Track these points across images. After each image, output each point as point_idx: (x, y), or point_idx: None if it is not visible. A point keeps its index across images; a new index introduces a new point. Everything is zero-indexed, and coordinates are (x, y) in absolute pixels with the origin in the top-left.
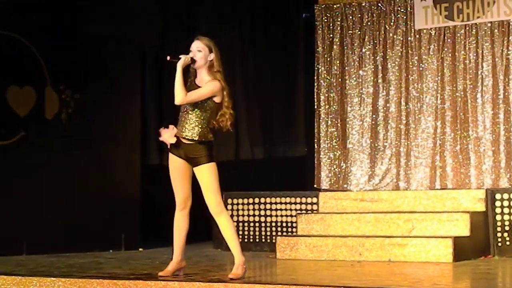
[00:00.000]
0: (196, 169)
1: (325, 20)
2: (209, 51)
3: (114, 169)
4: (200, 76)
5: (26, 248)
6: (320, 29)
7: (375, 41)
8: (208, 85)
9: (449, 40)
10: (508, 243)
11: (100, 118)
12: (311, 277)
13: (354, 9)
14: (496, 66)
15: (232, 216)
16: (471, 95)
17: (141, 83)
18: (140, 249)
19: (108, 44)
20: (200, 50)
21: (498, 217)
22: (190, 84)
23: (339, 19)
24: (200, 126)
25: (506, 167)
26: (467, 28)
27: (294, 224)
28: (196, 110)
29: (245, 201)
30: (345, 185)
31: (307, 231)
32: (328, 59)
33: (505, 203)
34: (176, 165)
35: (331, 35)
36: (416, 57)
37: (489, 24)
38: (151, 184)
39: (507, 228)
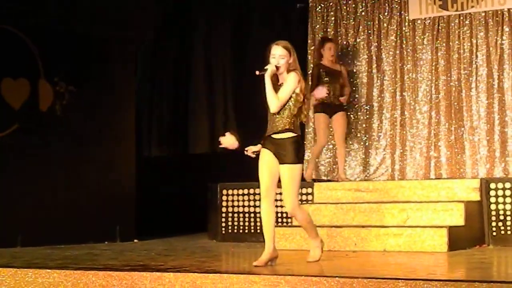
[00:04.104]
0: (281, 167)
1: (319, 11)
2: (290, 55)
3: (109, 161)
4: (281, 78)
5: (21, 240)
6: (314, 19)
7: (369, 31)
8: (289, 79)
9: (443, 30)
10: (502, 232)
11: (95, 110)
12: (307, 268)
13: None
14: (490, 55)
15: (227, 207)
16: (465, 85)
17: (135, 76)
18: (135, 241)
19: (103, 38)
20: (283, 58)
21: (493, 207)
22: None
23: (333, 9)
24: (288, 121)
25: (500, 156)
26: (461, 17)
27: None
28: (283, 107)
29: (240, 192)
30: (334, 175)
31: None
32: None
33: (500, 193)
34: (265, 157)
35: (325, 25)
36: (411, 47)
37: (483, 14)
38: (146, 176)
39: (501, 217)
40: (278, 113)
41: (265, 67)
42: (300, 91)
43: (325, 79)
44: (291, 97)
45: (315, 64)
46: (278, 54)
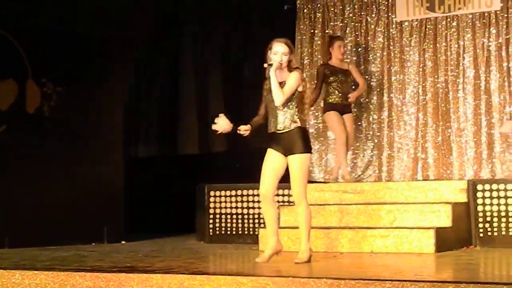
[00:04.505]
0: (289, 158)
1: (307, 12)
2: (291, 52)
3: (97, 163)
4: (281, 75)
5: (8, 241)
6: (301, 20)
7: (357, 33)
8: (293, 76)
9: (430, 31)
10: (489, 233)
11: (83, 111)
12: (294, 269)
13: (336, 1)
14: (477, 57)
15: (214, 208)
16: (452, 86)
17: (124, 77)
18: (123, 242)
19: (92, 39)
20: (286, 55)
21: (480, 208)
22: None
23: (320, 11)
24: (293, 116)
25: (487, 158)
26: (448, 19)
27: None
28: (287, 103)
29: (227, 193)
30: (327, 177)
31: (289, 222)
32: (309, 51)
33: (487, 194)
34: (270, 158)
35: (313, 27)
36: (398, 49)
37: (470, 16)
38: (134, 176)
39: (488, 218)
40: (282, 111)
41: (270, 62)
42: (303, 89)
43: (331, 78)
44: (294, 94)
45: (321, 64)
46: (281, 51)
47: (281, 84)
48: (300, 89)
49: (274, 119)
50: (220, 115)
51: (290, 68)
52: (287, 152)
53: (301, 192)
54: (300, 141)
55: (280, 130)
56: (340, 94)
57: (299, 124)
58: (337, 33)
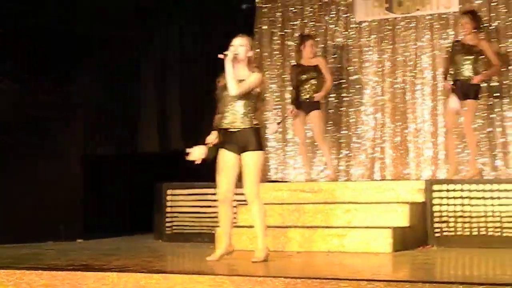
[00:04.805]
0: (243, 155)
1: (266, 11)
2: (250, 47)
3: (55, 160)
4: (238, 71)
5: None
6: (260, 20)
7: (316, 33)
8: (254, 76)
9: (389, 32)
10: (446, 233)
11: (41, 108)
12: (251, 267)
13: (295, 0)
14: (435, 58)
15: (172, 207)
16: (410, 87)
17: (84, 74)
18: (79, 240)
19: (51, 34)
20: (242, 45)
21: (437, 208)
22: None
23: (280, 10)
24: (248, 114)
25: (444, 158)
26: (407, 20)
27: (234, 215)
28: (242, 100)
29: (185, 192)
30: (286, 176)
31: (247, 221)
32: (269, 50)
33: (443, 194)
34: (224, 159)
35: (272, 26)
36: (357, 49)
37: (428, 17)
38: (93, 174)
39: (445, 218)
40: (238, 108)
41: (226, 52)
42: (262, 91)
43: (302, 77)
44: (252, 93)
45: (291, 66)
46: (239, 43)
47: (240, 82)
48: (259, 90)
49: (230, 115)
50: (195, 147)
51: (250, 67)
52: (241, 150)
53: (254, 190)
54: (255, 139)
55: (236, 128)
56: (308, 91)
57: (254, 123)
58: (309, 32)
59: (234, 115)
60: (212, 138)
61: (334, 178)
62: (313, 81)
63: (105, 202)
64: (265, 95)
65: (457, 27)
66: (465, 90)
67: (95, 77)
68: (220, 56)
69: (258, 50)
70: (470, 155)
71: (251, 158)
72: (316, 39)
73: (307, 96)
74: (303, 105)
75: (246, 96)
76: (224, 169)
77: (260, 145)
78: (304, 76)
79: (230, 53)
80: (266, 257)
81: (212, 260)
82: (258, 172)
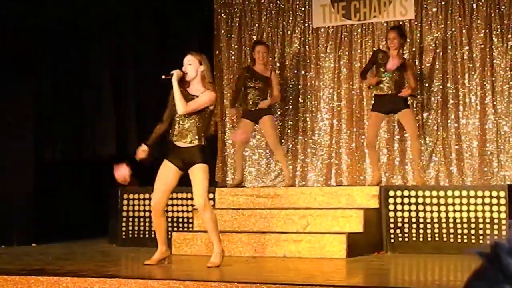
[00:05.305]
0: (191, 169)
1: (224, 17)
2: (199, 64)
3: (6, 163)
4: (193, 87)
5: None
6: (219, 25)
7: (273, 39)
8: (206, 95)
9: (346, 38)
10: (400, 239)
11: None
12: (206, 273)
13: (253, 6)
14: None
15: (127, 211)
16: (367, 93)
17: (35, 74)
18: (33, 245)
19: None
20: (190, 64)
21: (391, 214)
22: (183, 94)
23: (237, 15)
24: (197, 133)
25: (399, 164)
26: (364, 27)
27: (190, 220)
28: (193, 118)
29: (141, 196)
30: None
31: (203, 227)
32: (226, 55)
33: (398, 200)
34: (165, 171)
35: (230, 32)
36: (314, 55)
37: (385, 24)
38: (45, 179)
39: (399, 224)
40: (188, 125)
41: (171, 72)
42: (214, 109)
43: (250, 83)
44: (204, 111)
45: (243, 67)
46: (186, 60)
47: (194, 97)
48: (211, 108)
49: (179, 130)
50: (120, 165)
51: (204, 83)
52: (186, 166)
53: (205, 199)
54: (200, 155)
55: (183, 145)
56: (257, 100)
57: (202, 142)
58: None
59: (182, 132)
60: (142, 153)
61: (290, 184)
62: (259, 92)
63: (59, 206)
64: (216, 113)
65: (412, 34)
66: (392, 102)
67: (49, 80)
68: (163, 77)
69: (219, 55)
70: (414, 163)
71: (198, 170)
72: (267, 45)
73: (254, 107)
74: (250, 115)
75: (196, 113)
76: (161, 179)
77: (205, 160)
78: (253, 83)
79: (175, 72)
80: (221, 262)
81: (149, 264)
82: (206, 182)
